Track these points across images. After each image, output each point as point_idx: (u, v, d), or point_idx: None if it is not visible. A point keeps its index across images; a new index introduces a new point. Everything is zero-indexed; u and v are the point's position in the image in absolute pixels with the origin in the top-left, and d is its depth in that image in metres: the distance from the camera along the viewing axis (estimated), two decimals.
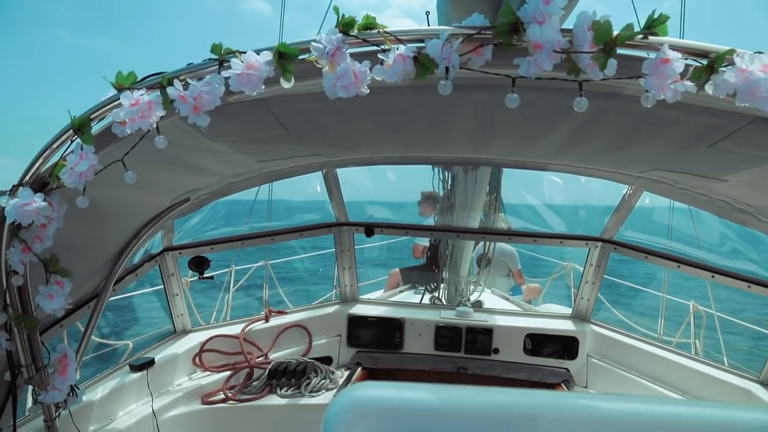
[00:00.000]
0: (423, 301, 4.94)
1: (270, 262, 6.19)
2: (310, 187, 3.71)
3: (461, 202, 4.45)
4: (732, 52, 1.22)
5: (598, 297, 3.76)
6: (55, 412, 2.13)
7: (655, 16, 1.24)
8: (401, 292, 5.93)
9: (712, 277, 3.12)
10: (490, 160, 3.24)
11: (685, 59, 1.26)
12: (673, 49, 1.22)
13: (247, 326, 3.45)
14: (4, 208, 1.68)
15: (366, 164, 3.09)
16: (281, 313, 3.69)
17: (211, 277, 3.45)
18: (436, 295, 5.19)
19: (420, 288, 5.67)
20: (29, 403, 2.28)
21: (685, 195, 2.69)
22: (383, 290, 6.37)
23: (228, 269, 5.91)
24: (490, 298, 5.47)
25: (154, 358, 2.90)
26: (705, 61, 1.26)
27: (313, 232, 3.71)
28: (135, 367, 2.82)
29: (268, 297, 5.58)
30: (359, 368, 3.39)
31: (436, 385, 0.78)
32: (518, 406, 0.57)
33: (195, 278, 4.23)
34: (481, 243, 5.13)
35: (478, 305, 4.63)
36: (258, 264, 6.28)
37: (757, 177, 2.05)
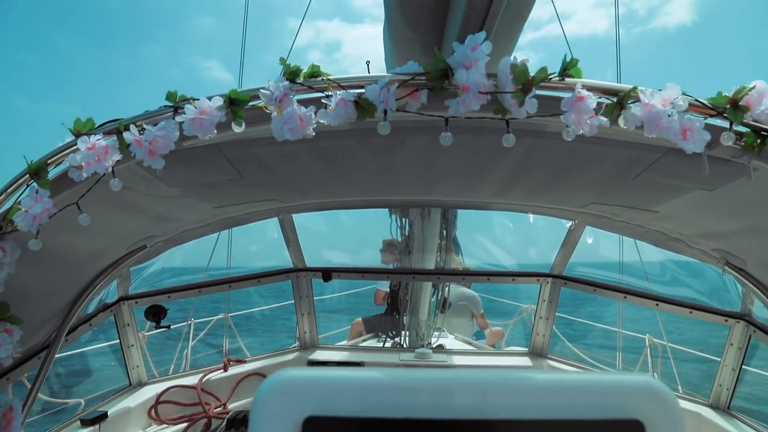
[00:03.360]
0: (385, 346, 4.96)
1: (230, 314, 6.10)
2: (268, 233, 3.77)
3: (418, 246, 4.57)
4: (635, 89, 1.38)
5: (557, 335, 3.87)
6: None
7: (568, 60, 1.40)
8: (364, 341, 5.92)
9: (657, 305, 3.28)
10: (439, 202, 3.38)
11: (599, 97, 1.42)
12: (586, 89, 1.38)
13: (204, 376, 3.41)
14: None
15: (320, 209, 3.17)
16: (240, 361, 3.67)
17: (168, 327, 3.42)
18: (398, 340, 5.22)
19: (382, 336, 5.69)
20: None
21: (624, 227, 2.87)
22: (346, 340, 6.35)
23: (186, 322, 5.81)
24: (452, 343, 5.53)
25: (107, 412, 2.83)
26: (615, 99, 1.42)
27: (271, 279, 3.74)
28: (86, 422, 2.74)
29: (227, 348, 5.47)
30: None
31: (367, 368, 0.82)
32: (438, 381, 0.63)
33: (152, 332, 4.16)
34: (441, 287, 5.22)
35: (439, 349, 4.68)
36: (218, 317, 6.18)
37: (683, 206, 2.22)
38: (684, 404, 3.13)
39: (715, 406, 3.07)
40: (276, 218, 3.38)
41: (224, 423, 3.05)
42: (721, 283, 3.08)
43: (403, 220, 5.30)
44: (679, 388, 4.58)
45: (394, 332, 5.39)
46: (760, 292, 2.44)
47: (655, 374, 5.20)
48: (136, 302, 3.26)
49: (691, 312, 3.16)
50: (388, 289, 6.14)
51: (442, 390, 0.62)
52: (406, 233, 5.26)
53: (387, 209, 5.39)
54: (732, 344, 3.02)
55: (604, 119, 1.40)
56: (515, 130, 1.45)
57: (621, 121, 1.42)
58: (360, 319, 6.44)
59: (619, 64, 6.14)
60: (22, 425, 2.11)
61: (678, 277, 3.63)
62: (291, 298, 3.99)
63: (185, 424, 3.07)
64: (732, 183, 1.77)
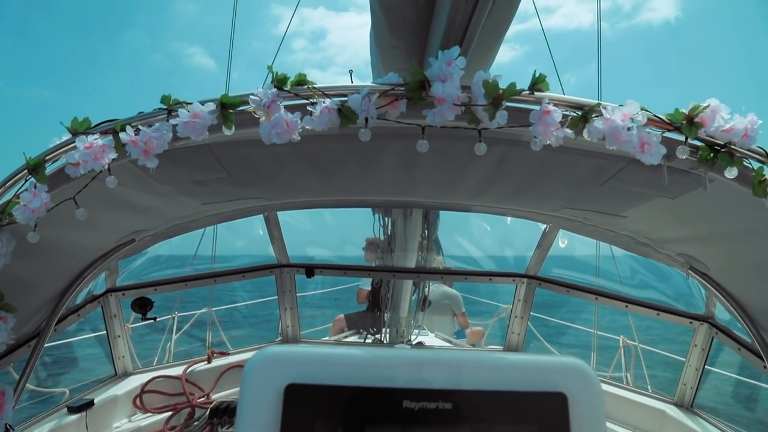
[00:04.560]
0: (366, 343, 5.08)
1: (213, 309, 6.17)
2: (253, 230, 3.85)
3: (400, 245, 4.68)
4: (599, 105, 1.50)
5: (534, 334, 4.01)
6: None
7: (537, 76, 1.51)
8: (346, 337, 6.03)
9: (626, 306, 3.43)
10: (419, 203, 3.49)
11: (565, 111, 1.53)
12: (553, 103, 1.49)
13: (189, 367, 3.49)
14: None
15: (305, 207, 3.26)
16: (224, 354, 3.75)
17: (154, 319, 3.49)
18: (378, 337, 5.33)
19: (363, 332, 5.80)
20: None
21: (595, 231, 3.00)
22: (328, 336, 6.44)
23: (171, 315, 5.87)
24: (432, 341, 5.66)
25: (93, 400, 2.91)
26: (580, 112, 1.53)
27: (255, 274, 3.83)
28: (73, 409, 2.81)
29: (211, 341, 5.55)
30: None
31: (342, 346, 0.91)
32: (402, 357, 0.74)
33: (137, 324, 4.23)
34: (422, 285, 5.35)
35: (419, 346, 4.80)
36: (201, 311, 6.25)
37: (649, 212, 2.36)
38: (650, 402, 3.29)
39: (679, 404, 3.22)
40: (261, 215, 3.47)
41: (207, 412, 3.14)
42: (687, 288, 3.23)
43: (386, 219, 5.42)
44: (648, 387, 4.76)
45: (374, 329, 5.50)
46: (721, 296, 2.58)
47: (628, 374, 5.37)
48: (123, 294, 3.34)
49: (658, 314, 3.31)
50: (370, 288, 6.25)
51: (404, 363, 0.72)
52: (389, 232, 5.38)
53: (370, 208, 5.51)
54: (696, 345, 3.18)
55: (569, 131, 1.52)
56: (488, 138, 1.56)
57: (585, 134, 1.54)
58: (342, 315, 6.54)
59: (600, 61, 6.30)
60: (14, 409, 2.17)
61: (649, 281, 3.79)
62: (274, 294, 4.08)
63: (169, 413, 3.15)
64: (691, 192, 1.90)
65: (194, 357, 3.73)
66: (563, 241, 3.59)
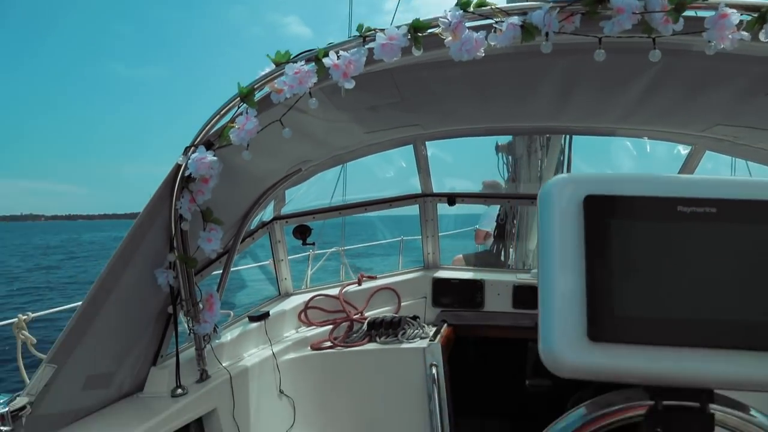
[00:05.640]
0: None
1: (344, 248, 6.63)
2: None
3: (526, 177, 4.80)
4: None
5: None
6: (203, 344, 2.57)
7: None
8: None
9: None
10: (565, 128, 3.55)
11: (741, 14, 1.59)
12: (729, 6, 1.56)
13: (343, 288, 3.87)
14: (180, 165, 2.12)
15: (455, 136, 3.45)
16: (372, 278, 4.10)
17: (313, 244, 3.88)
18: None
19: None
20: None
21: (746, 151, 2.93)
22: None
23: (306, 253, 6.37)
24: None
25: (269, 311, 3.34)
26: (756, 14, 1.58)
27: (402, 203, 4.11)
28: (253, 318, 3.25)
29: (344, 277, 6.00)
30: (445, 324, 3.72)
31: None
32: (679, 176, 0.89)
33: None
34: None
35: None
36: (332, 250, 6.71)
37: None
38: None
39: None
40: (411, 146, 3.69)
41: (365, 325, 3.50)
42: None
43: (508, 157, 5.53)
44: None
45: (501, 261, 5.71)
46: None
47: None
48: (287, 222, 3.74)
49: None
50: (488, 229, 6.41)
51: (678, 179, 0.88)
52: (511, 170, 5.50)
53: (493, 149, 5.64)
54: None
55: (745, 34, 1.58)
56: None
57: (762, 36, 1.59)
58: (461, 255, 6.76)
59: None
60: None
61: None
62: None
63: (331, 326, 3.54)
64: None
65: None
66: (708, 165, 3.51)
